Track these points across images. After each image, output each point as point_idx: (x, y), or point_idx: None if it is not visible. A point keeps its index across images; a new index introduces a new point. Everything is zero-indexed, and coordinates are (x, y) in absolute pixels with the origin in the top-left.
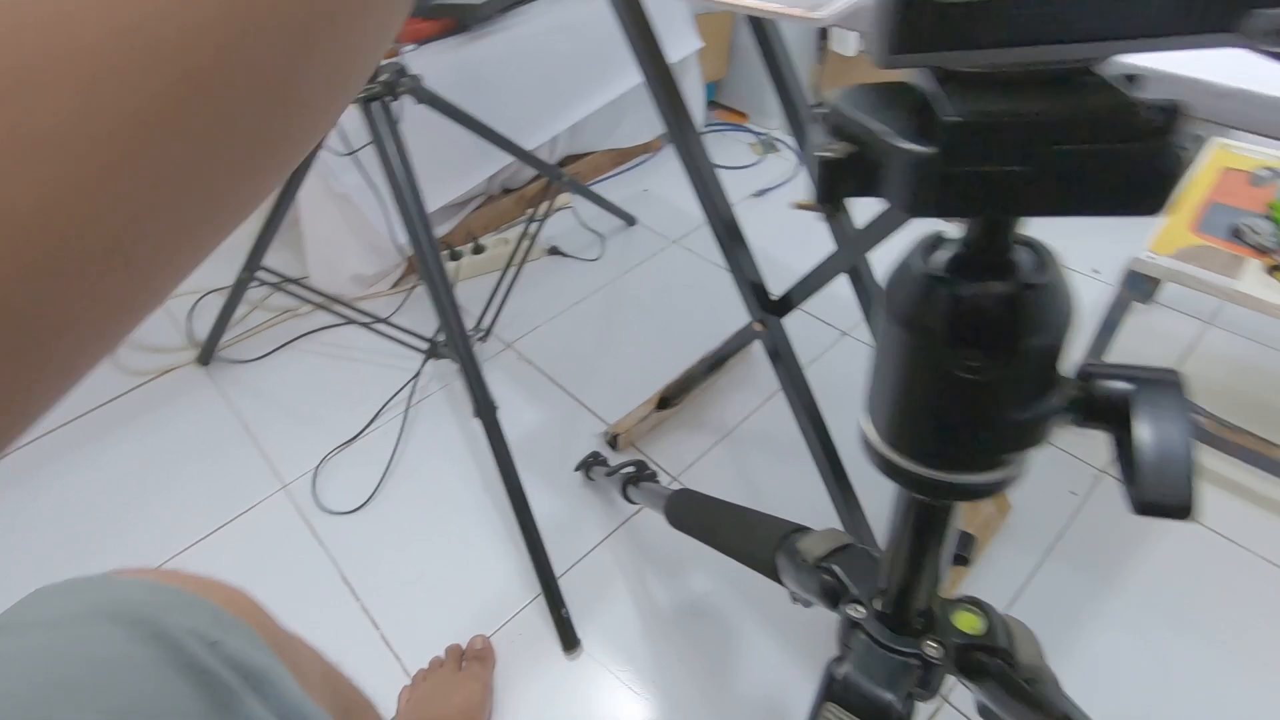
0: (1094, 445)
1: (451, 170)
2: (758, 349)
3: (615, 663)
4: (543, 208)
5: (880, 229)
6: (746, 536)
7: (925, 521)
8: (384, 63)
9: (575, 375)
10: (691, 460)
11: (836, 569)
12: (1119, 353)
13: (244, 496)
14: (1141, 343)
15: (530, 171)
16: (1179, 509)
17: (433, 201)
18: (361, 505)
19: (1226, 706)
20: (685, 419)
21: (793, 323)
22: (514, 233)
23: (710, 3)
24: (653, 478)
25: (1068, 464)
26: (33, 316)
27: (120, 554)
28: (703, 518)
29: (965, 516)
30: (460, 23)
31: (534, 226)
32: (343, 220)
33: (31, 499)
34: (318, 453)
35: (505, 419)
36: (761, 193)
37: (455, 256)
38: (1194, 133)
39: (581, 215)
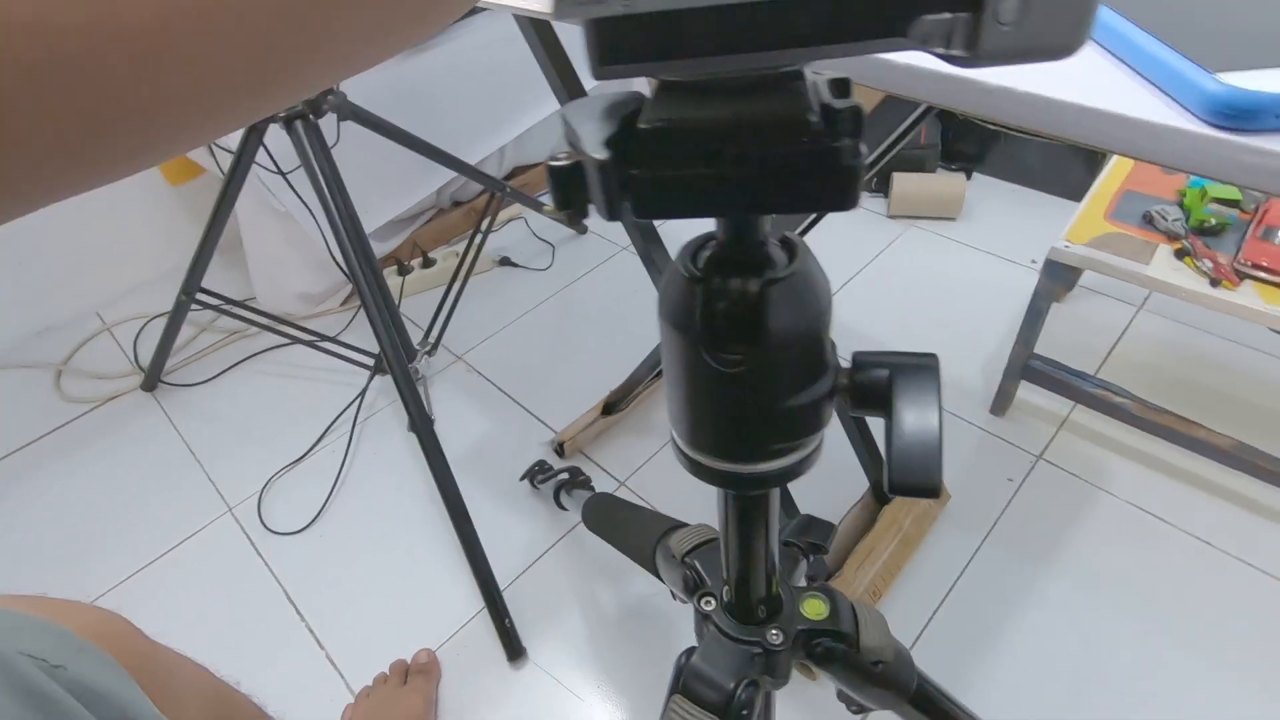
0: (1029, 433)
1: (395, 186)
2: None
3: (560, 669)
4: (488, 220)
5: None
6: (636, 535)
7: (743, 513)
8: None
9: (525, 385)
10: (639, 464)
11: (697, 564)
12: (1054, 340)
13: (189, 521)
14: (1076, 329)
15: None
16: (927, 489)
17: (377, 218)
18: (308, 525)
19: (1159, 676)
20: (632, 423)
21: None
22: (464, 245)
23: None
24: (586, 484)
25: (1005, 451)
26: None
27: (62, 585)
28: (607, 519)
29: (903, 507)
30: None
31: (480, 239)
32: (285, 239)
33: None
34: (264, 474)
35: (455, 431)
36: None
37: (404, 271)
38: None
39: (532, 225)
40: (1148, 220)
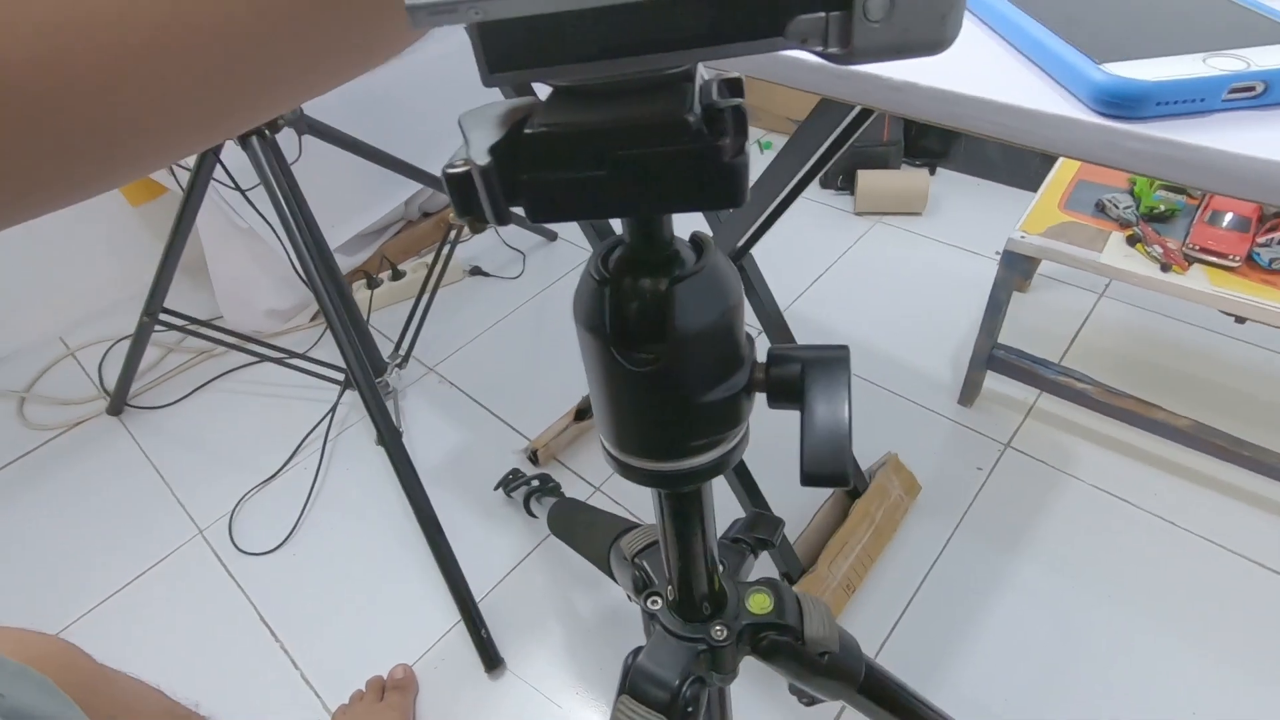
0: (997, 422)
1: (360, 199)
2: None
3: (539, 678)
4: (456, 231)
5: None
6: (594, 539)
7: (676, 511)
8: None
9: (499, 394)
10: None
11: (645, 564)
12: (1020, 329)
13: (159, 545)
14: (1041, 317)
15: None
16: (838, 479)
17: (344, 232)
18: (280, 544)
19: (1131, 654)
20: None
21: None
22: (433, 256)
23: None
24: (555, 490)
25: (973, 441)
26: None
27: (31, 614)
28: (569, 525)
29: (875, 500)
30: None
31: (448, 249)
32: (251, 256)
33: None
34: (235, 494)
35: (429, 443)
36: None
37: (373, 284)
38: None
39: (503, 233)
40: (1100, 209)
